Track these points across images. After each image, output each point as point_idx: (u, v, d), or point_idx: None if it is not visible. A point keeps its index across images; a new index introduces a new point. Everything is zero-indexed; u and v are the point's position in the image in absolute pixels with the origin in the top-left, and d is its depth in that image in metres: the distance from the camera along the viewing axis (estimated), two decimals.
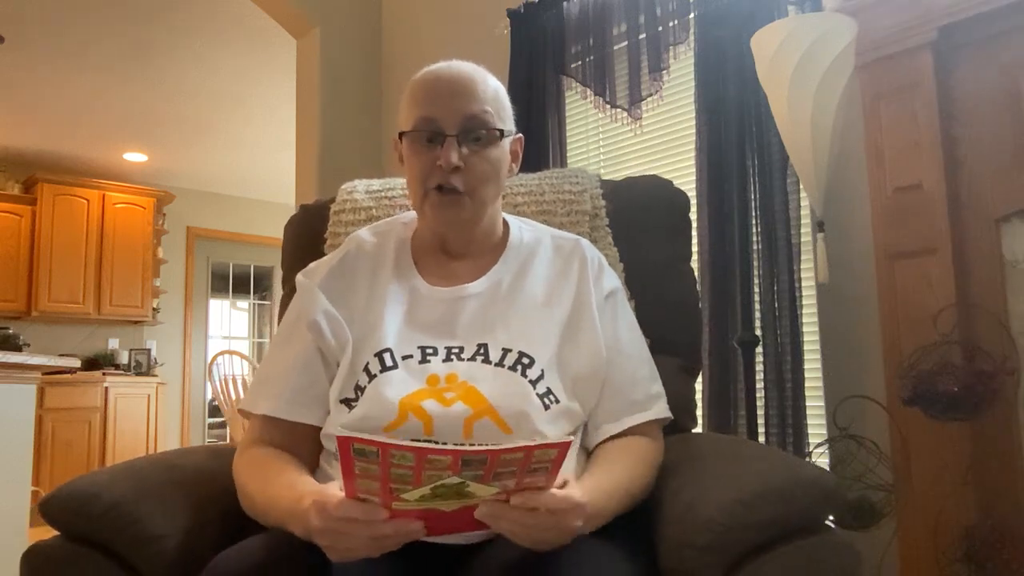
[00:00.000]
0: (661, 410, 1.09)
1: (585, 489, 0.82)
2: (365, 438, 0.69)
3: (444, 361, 1.02)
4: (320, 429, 1.03)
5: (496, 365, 1.01)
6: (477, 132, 1.04)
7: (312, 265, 1.15)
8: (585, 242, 1.17)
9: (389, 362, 1.01)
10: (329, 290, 1.08)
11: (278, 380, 1.05)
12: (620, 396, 1.06)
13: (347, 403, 1.01)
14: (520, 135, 1.15)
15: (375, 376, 1.00)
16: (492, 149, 1.06)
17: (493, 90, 1.08)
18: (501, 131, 1.06)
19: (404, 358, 1.02)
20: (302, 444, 1.03)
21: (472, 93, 1.05)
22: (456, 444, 0.88)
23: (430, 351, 1.03)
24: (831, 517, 0.98)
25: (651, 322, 1.36)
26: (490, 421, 0.94)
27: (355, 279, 1.11)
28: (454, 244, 1.13)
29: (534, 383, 0.99)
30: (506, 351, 1.02)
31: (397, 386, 0.98)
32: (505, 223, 1.18)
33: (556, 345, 1.04)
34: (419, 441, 0.93)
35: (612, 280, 1.15)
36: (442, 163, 1.02)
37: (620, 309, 1.14)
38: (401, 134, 1.07)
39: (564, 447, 0.72)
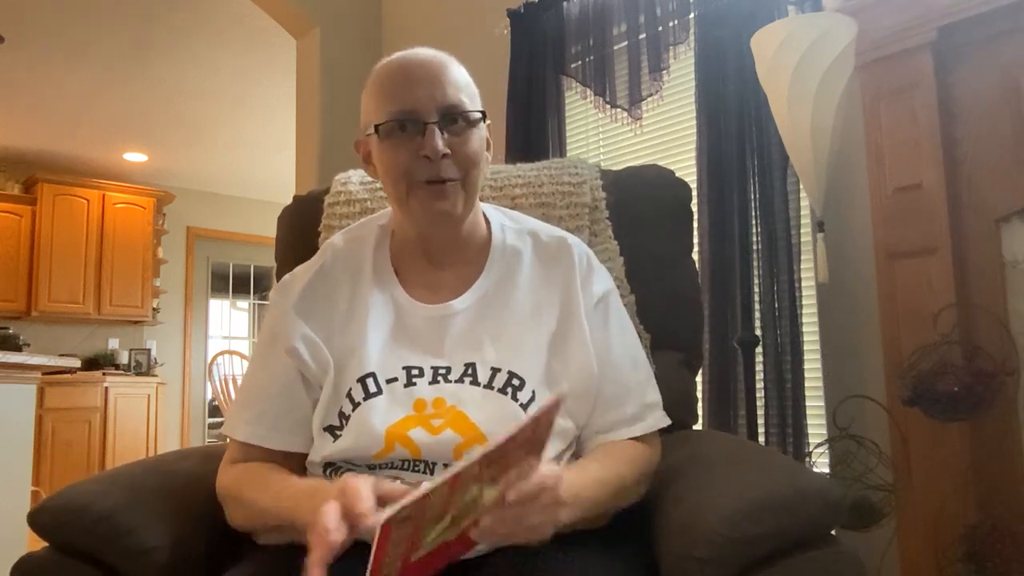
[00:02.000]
0: (656, 421, 1.03)
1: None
2: (403, 505, 0.65)
3: (430, 383, 0.97)
4: (302, 455, 0.99)
5: (485, 387, 0.96)
6: (455, 117, 0.98)
7: (287, 278, 1.09)
8: (573, 240, 1.10)
9: (373, 388, 0.96)
10: (305, 310, 1.03)
11: (258, 404, 1.01)
12: (613, 410, 1.01)
13: (331, 431, 0.96)
14: (489, 121, 1.08)
15: (359, 404, 0.96)
16: (474, 131, 1.00)
17: (463, 74, 1.03)
18: (483, 113, 1.01)
19: (388, 382, 0.97)
20: (286, 466, 0.98)
21: (446, 79, 0.99)
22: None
23: (415, 372, 0.98)
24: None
25: (652, 316, 1.35)
26: (481, 449, 0.92)
27: (333, 292, 1.05)
28: (438, 246, 1.06)
29: (525, 406, 0.95)
30: (495, 371, 0.97)
31: (382, 414, 0.94)
32: (486, 218, 1.11)
33: (545, 361, 0.99)
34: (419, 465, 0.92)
35: (602, 282, 1.08)
36: (427, 152, 0.95)
37: (612, 314, 1.07)
38: (377, 127, 1.00)
39: (558, 403, 0.72)
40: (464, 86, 1.01)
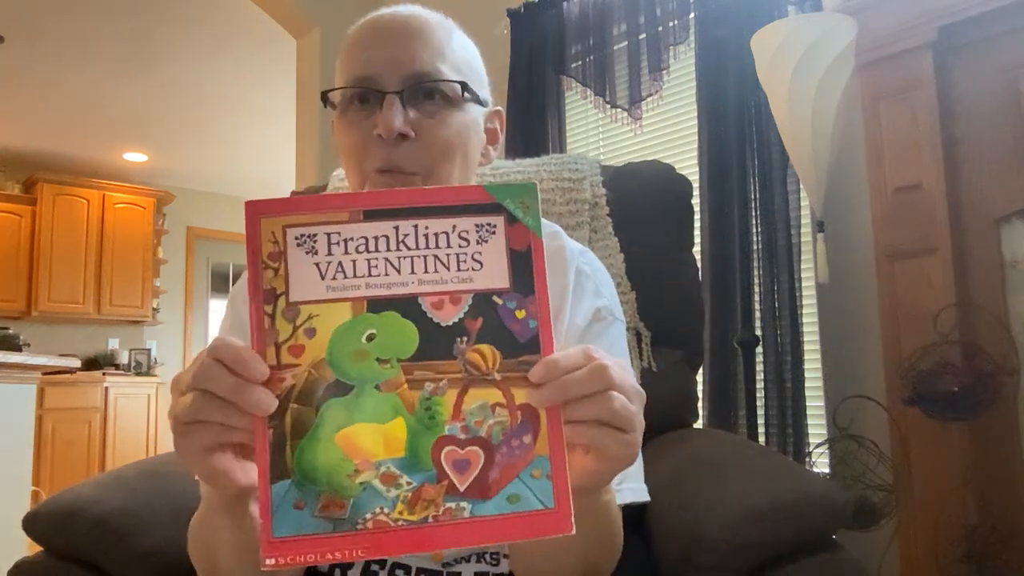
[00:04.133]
0: (632, 493, 0.77)
1: None
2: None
3: None
4: None
5: None
6: (428, 88, 0.75)
7: None
8: (569, 251, 0.84)
9: None
10: None
11: None
12: None
13: None
14: (499, 108, 0.87)
15: None
16: (453, 112, 0.76)
17: (456, 43, 0.79)
18: (463, 85, 0.76)
19: None
20: None
21: (421, 41, 0.76)
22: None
23: None
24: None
25: (652, 313, 1.35)
26: None
27: None
28: None
29: None
30: None
31: None
32: None
33: None
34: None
35: (594, 302, 0.82)
36: (381, 130, 0.73)
37: (592, 344, 0.76)
38: (324, 97, 0.81)
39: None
40: (449, 55, 0.77)
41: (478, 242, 0.50)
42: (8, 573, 0.97)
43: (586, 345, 0.51)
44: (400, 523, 0.47)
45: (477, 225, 0.50)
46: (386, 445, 0.48)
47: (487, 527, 0.48)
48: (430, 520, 0.48)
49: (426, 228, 0.49)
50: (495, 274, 0.50)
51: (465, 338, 0.49)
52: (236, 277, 7.55)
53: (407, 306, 0.49)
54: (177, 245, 6.78)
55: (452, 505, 0.48)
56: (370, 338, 0.49)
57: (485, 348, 0.49)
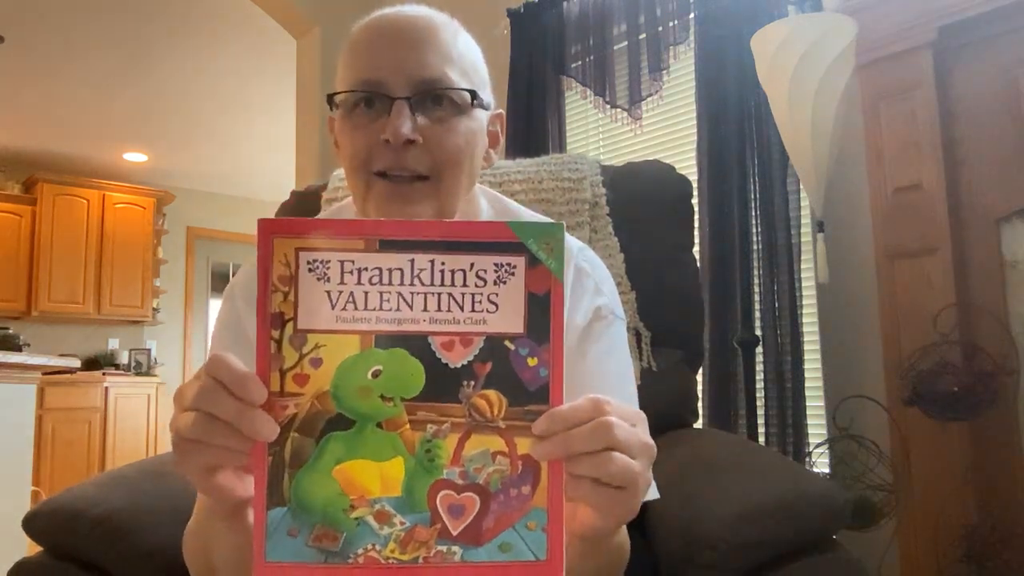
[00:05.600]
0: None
1: None
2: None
3: None
4: None
5: None
6: (439, 96, 0.76)
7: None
8: (575, 254, 0.83)
9: None
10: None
11: None
12: None
13: None
14: (500, 111, 0.87)
15: None
16: (461, 119, 0.77)
17: (462, 45, 0.80)
18: (473, 92, 0.77)
19: None
20: None
21: (429, 45, 0.76)
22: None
23: None
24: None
25: (652, 313, 1.35)
26: None
27: None
28: None
29: None
30: None
31: None
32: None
33: None
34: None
35: (594, 300, 0.82)
36: (389, 136, 0.73)
37: (592, 344, 0.80)
38: (330, 99, 0.80)
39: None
40: (456, 58, 0.78)
41: (495, 283, 0.49)
42: (8, 573, 0.96)
43: (597, 396, 0.50)
44: (391, 561, 0.48)
45: (496, 264, 0.48)
46: (383, 483, 0.49)
47: (476, 573, 0.48)
48: (420, 561, 0.48)
49: (443, 264, 0.48)
50: (510, 318, 0.48)
51: (473, 382, 0.48)
52: None
53: (416, 344, 0.48)
54: (177, 245, 6.77)
55: (443, 548, 0.48)
56: (376, 375, 0.48)
57: (492, 394, 0.49)
